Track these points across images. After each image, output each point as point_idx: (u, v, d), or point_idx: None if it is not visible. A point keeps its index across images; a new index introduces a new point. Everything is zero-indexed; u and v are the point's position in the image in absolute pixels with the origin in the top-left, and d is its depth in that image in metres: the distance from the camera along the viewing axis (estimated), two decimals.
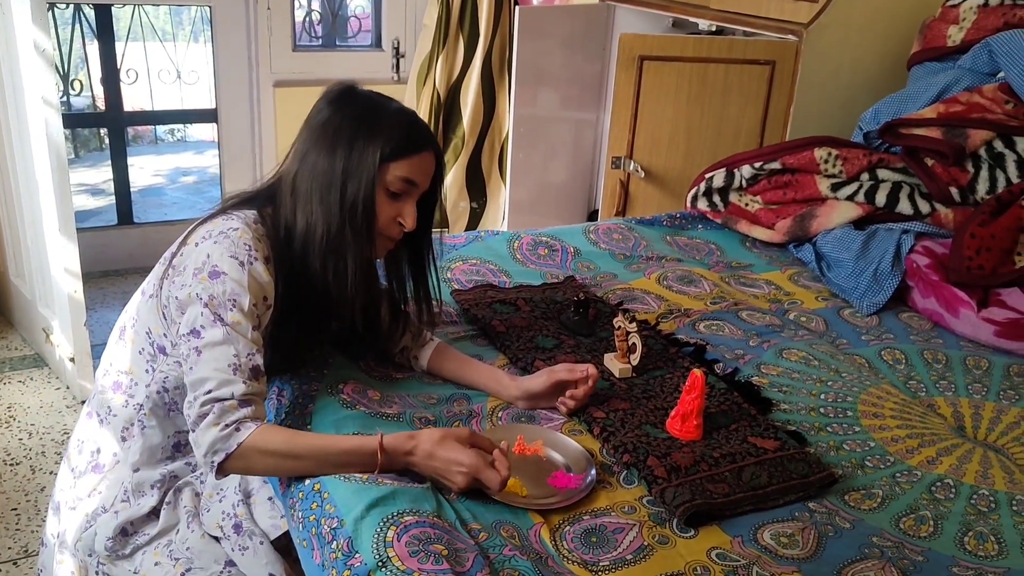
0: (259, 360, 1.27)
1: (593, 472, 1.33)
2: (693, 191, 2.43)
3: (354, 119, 1.35)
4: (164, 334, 1.36)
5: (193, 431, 1.22)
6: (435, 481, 1.26)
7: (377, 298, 1.53)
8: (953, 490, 1.38)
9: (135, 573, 1.41)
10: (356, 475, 1.23)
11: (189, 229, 1.37)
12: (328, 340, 1.56)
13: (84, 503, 1.44)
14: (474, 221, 3.67)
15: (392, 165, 1.35)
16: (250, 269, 1.28)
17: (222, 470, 1.22)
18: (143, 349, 1.39)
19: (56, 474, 2.22)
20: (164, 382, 1.39)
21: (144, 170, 4.83)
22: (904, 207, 2.16)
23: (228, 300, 1.25)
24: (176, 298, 1.29)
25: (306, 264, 1.36)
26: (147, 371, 1.40)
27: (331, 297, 1.38)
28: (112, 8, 3.36)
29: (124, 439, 1.44)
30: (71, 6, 3.52)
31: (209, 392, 1.21)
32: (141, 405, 1.41)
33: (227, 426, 1.20)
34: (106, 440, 1.46)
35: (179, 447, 1.47)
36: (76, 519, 1.44)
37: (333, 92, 1.40)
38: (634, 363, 1.61)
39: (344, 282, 1.36)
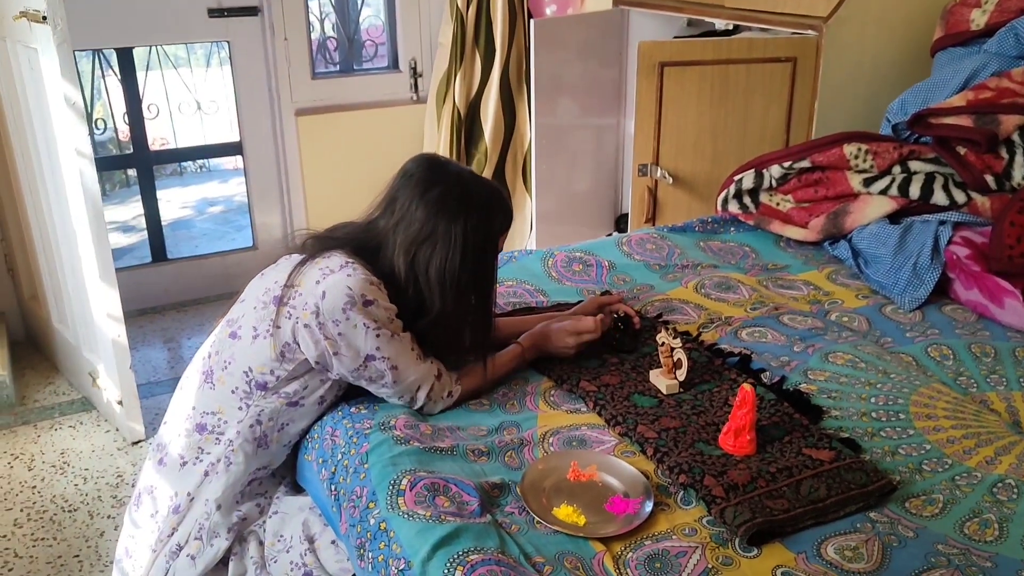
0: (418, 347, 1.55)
1: (651, 495, 1.34)
2: (723, 194, 2.42)
3: (478, 211, 1.52)
4: (271, 371, 1.48)
5: (423, 410, 1.56)
6: (516, 496, 1.35)
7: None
8: (1015, 490, 1.37)
9: None
10: (419, 512, 1.25)
11: (290, 271, 1.49)
12: None
13: (163, 544, 1.49)
14: None
15: (502, 237, 1.61)
16: (380, 286, 1.48)
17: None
18: (236, 388, 1.49)
19: (113, 518, 2.27)
20: (259, 415, 1.49)
21: (171, 203, 4.88)
22: (939, 198, 2.14)
23: (387, 319, 1.48)
24: (329, 335, 1.44)
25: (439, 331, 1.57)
26: (240, 408, 1.49)
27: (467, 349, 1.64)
28: (132, 50, 3.41)
29: (207, 474, 1.50)
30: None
31: (419, 389, 1.52)
32: (231, 441, 1.49)
33: (444, 399, 1.57)
34: (181, 483, 1.50)
35: (254, 484, 1.55)
36: (157, 561, 1.48)
37: (447, 183, 1.53)
38: (681, 379, 1.61)
39: (488, 333, 1.63)
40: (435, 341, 1.57)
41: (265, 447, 1.52)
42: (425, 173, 1.53)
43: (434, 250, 1.50)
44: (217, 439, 1.50)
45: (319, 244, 1.54)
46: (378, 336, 1.46)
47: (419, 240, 1.50)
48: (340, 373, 1.50)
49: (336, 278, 1.44)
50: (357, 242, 1.55)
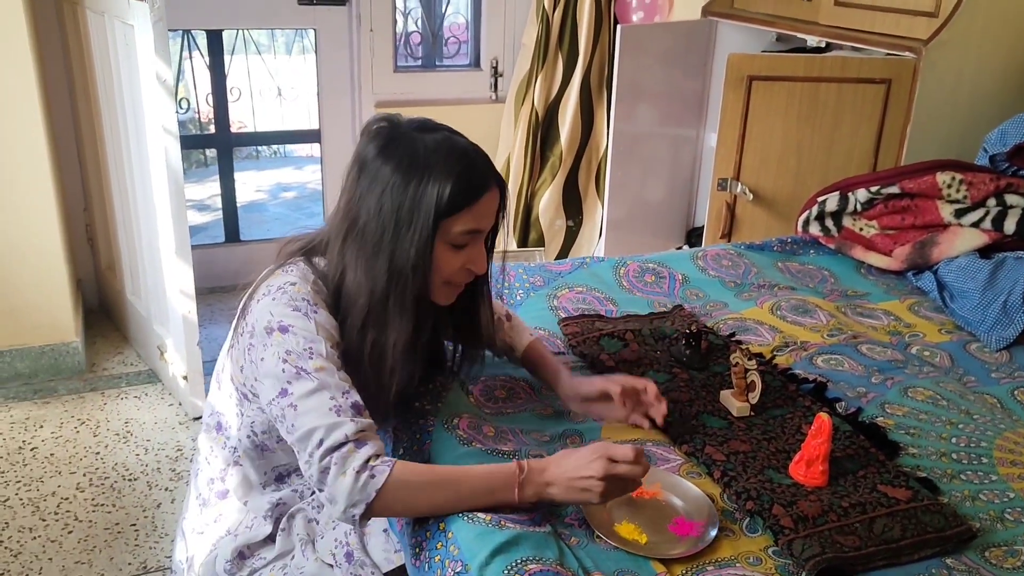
0: (356, 397, 1.25)
1: (716, 519, 1.30)
2: (805, 215, 2.35)
3: (402, 172, 1.27)
4: (243, 383, 1.36)
5: (321, 489, 1.19)
6: (577, 508, 1.26)
7: (416, 375, 1.44)
8: None
9: None
10: (480, 515, 1.22)
11: (256, 282, 1.37)
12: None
13: (211, 528, 1.48)
14: (570, 239, 3.65)
15: (451, 220, 1.28)
16: (315, 317, 1.27)
17: (364, 519, 1.20)
18: (231, 394, 1.41)
19: (170, 491, 2.31)
20: (252, 426, 1.40)
21: (246, 186, 4.97)
22: None
23: (305, 351, 1.23)
24: (254, 359, 1.28)
25: (344, 332, 1.32)
26: (237, 415, 1.41)
27: (366, 373, 1.33)
28: (222, 33, 3.47)
29: (223, 478, 1.48)
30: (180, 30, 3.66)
31: (321, 443, 1.18)
32: (235, 448, 1.44)
33: (357, 473, 1.16)
34: (217, 473, 1.50)
35: (281, 479, 1.49)
36: (204, 543, 1.48)
37: (379, 139, 1.31)
38: (753, 401, 1.57)
39: (383, 360, 1.31)
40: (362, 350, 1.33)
41: (271, 451, 1.43)
42: (372, 148, 1.31)
43: (353, 244, 1.29)
44: (224, 443, 1.45)
45: (286, 253, 1.39)
46: (284, 370, 1.23)
47: (346, 236, 1.30)
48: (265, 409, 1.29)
49: (267, 300, 1.28)
50: (322, 241, 1.37)
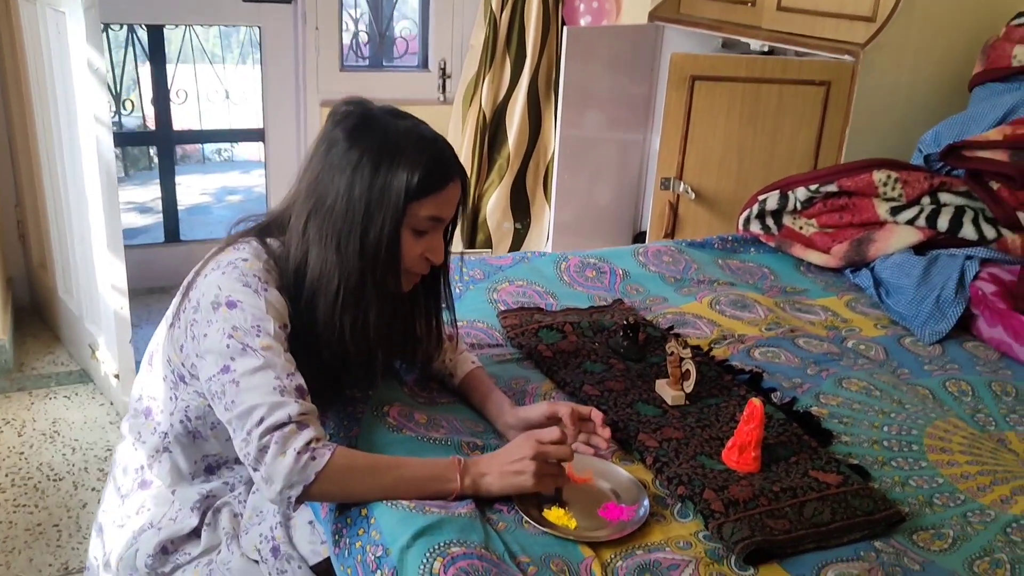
0: (300, 380, 1.23)
1: (646, 503, 1.28)
2: (745, 213, 2.37)
3: (373, 155, 1.26)
4: (182, 363, 1.32)
5: (257, 468, 1.15)
6: (518, 500, 1.24)
7: (399, 345, 1.48)
8: None
9: None
10: (403, 502, 1.19)
11: (204, 260, 1.33)
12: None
13: (132, 520, 1.43)
14: (518, 242, 3.64)
15: (417, 204, 1.28)
16: (265, 295, 1.24)
17: (299, 503, 1.17)
18: (166, 376, 1.36)
19: (98, 491, 2.23)
20: (186, 411, 1.36)
21: (191, 189, 4.88)
22: (968, 232, 2.08)
23: (252, 327, 1.21)
24: (197, 335, 1.24)
25: (316, 312, 1.30)
26: (170, 399, 1.37)
27: (348, 350, 1.31)
28: (164, 30, 3.41)
29: (151, 466, 1.43)
30: (124, 27, 3.57)
31: (262, 420, 1.14)
32: (166, 434, 1.39)
33: (298, 453, 1.13)
34: (144, 461, 1.44)
35: (211, 469, 1.44)
36: (123, 537, 1.43)
37: (349, 122, 1.30)
38: (688, 390, 1.56)
39: (365, 337, 1.31)
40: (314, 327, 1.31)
41: (203, 438, 1.39)
42: (339, 132, 1.29)
43: (318, 225, 1.27)
44: (154, 428, 1.40)
45: (238, 232, 1.36)
46: (229, 346, 1.20)
47: (308, 216, 1.28)
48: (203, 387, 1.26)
49: (216, 275, 1.26)
50: (278, 220, 1.35)
